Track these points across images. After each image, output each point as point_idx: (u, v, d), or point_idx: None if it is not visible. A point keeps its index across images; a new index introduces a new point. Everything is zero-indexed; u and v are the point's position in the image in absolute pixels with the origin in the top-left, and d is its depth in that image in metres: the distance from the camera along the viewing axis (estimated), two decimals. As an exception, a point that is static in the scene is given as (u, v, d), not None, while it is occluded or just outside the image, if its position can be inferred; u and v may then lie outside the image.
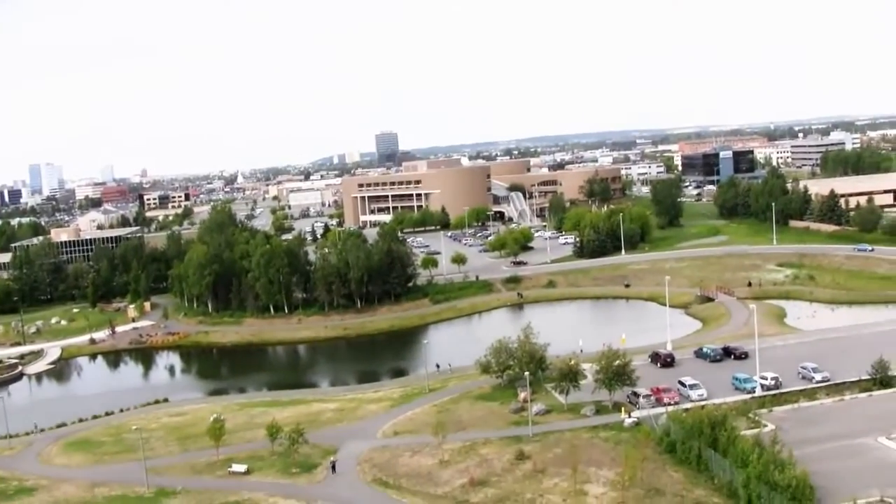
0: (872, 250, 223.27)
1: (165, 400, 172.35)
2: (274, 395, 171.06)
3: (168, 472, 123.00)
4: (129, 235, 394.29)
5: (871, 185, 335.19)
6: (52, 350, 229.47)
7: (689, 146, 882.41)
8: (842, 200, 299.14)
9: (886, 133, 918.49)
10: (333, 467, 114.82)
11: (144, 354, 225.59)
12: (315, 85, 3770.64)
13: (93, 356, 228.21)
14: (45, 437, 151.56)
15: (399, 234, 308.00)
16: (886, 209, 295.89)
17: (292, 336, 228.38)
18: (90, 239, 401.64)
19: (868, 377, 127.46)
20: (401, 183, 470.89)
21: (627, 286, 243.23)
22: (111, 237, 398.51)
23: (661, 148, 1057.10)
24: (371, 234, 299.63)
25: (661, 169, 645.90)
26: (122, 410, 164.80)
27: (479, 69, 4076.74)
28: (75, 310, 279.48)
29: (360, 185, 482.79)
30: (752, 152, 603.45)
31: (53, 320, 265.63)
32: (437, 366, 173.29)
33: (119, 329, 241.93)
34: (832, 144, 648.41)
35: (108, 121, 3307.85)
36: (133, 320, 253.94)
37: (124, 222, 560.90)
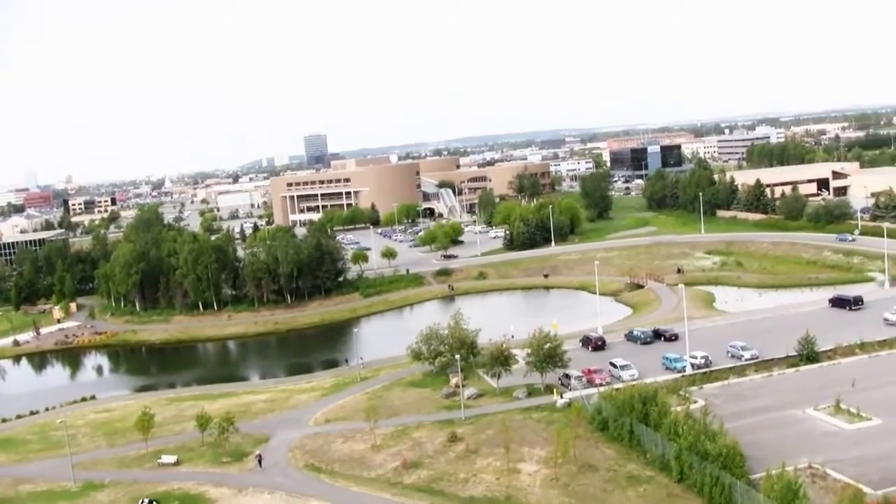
0: (854, 240, 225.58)
1: (93, 397, 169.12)
2: (204, 389, 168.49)
3: (95, 467, 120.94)
4: (53, 238, 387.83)
5: (796, 175, 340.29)
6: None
7: (617, 143, 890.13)
8: (767, 190, 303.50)
9: (809, 128, 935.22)
10: (260, 461, 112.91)
11: (71, 355, 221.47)
12: (242, 89, 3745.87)
13: (16, 358, 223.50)
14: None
15: (329, 231, 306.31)
16: (811, 198, 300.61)
17: (222, 332, 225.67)
18: (12, 242, 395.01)
19: (795, 353, 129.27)
20: (330, 181, 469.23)
21: (546, 276, 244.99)
22: (34, 240, 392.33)
23: (589, 145, 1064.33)
24: (301, 233, 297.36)
25: (590, 165, 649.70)
26: (47, 409, 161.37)
27: (406, 71, 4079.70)
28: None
29: (289, 185, 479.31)
30: (679, 147, 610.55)
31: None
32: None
33: (44, 330, 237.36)
34: (757, 138, 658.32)
35: (30, 127, 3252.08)
36: (58, 321, 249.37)
37: (48, 227, 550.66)
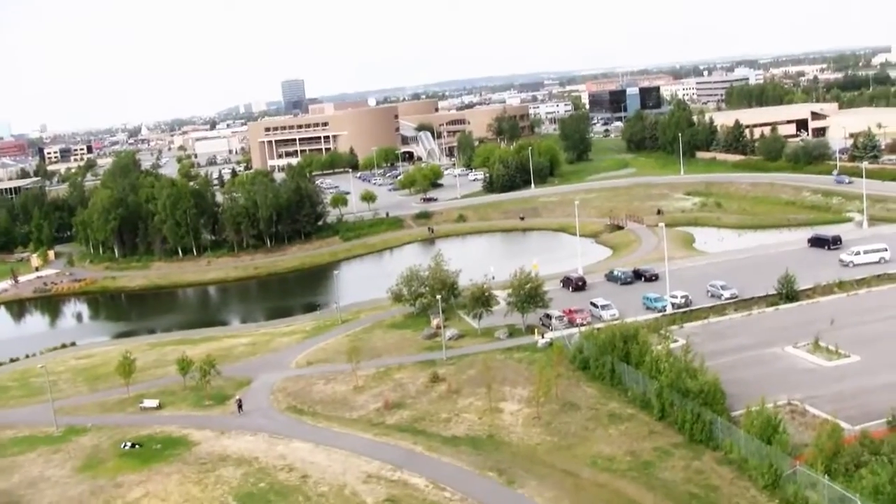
0: (851, 182, 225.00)
1: (73, 344, 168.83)
2: (184, 334, 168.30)
3: (77, 412, 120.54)
4: (29, 186, 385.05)
5: (775, 117, 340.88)
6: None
7: (595, 85, 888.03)
8: (746, 131, 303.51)
9: (788, 70, 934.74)
10: (240, 405, 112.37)
11: (50, 302, 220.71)
12: (217, 34, 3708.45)
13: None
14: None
15: (308, 175, 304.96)
16: (790, 139, 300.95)
17: (201, 278, 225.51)
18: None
19: (774, 292, 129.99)
20: (308, 126, 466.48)
21: (522, 219, 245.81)
22: (10, 188, 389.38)
23: (568, 88, 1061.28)
24: (280, 178, 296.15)
25: (569, 107, 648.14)
26: (27, 356, 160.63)
27: (384, 15, 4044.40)
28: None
29: (267, 130, 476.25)
30: (658, 89, 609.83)
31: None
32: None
33: (22, 278, 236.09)
34: (736, 80, 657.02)
35: (2, 76, 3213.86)
36: (37, 269, 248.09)
37: (24, 175, 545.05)
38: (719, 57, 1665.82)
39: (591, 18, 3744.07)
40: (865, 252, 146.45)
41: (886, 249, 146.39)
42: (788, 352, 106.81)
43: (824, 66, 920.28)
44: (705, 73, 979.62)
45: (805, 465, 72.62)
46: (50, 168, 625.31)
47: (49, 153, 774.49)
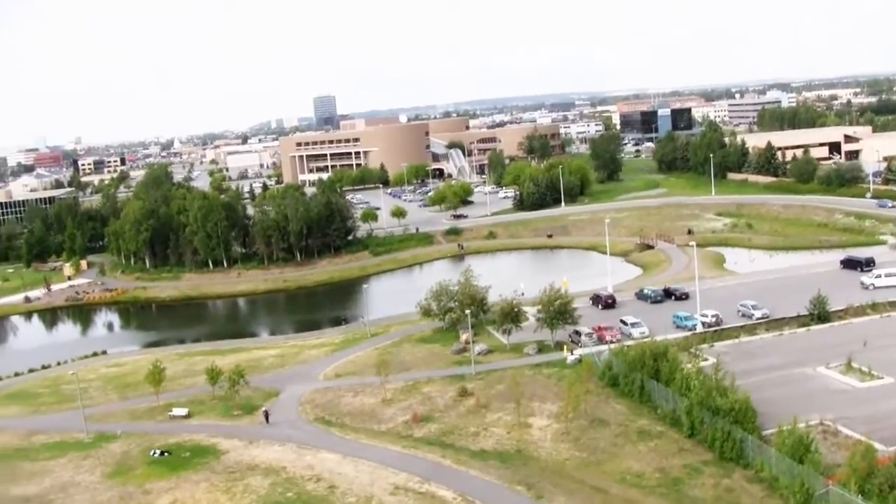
0: (894, 206, 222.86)
1: (104, 352, 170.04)
2: (214, 344, 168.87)
3: (107, 419, 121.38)
4: (63, 196, 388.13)
5: (807, 139, 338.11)
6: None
7: (626, 106, 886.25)
8: (779, 153, 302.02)
9: (821, 93, 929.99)
10: (266, 417, 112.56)
11: (81, 311, 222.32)
12: (251, 49, 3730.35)
13: (28, 314, 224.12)
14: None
15: (339, 190, 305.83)
16: (822, 161, 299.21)
17: (231, 290, 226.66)
18: (22, 200, 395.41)
19: (806, 313, 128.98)
20: (339, 141, 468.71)
21: (550, 237, 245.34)
22: (45, 198, 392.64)
23: (599, 109, 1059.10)
24: (311, 192, 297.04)
25: (600, 127, 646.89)
26: (59, 363, 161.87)
27: (416, 33, 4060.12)
28: (9, 270, 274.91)
29: (299, 144, 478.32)
30: (689, 110, 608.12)
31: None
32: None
33: (55, 287, 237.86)
34: (768, 103, 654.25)
35: (39, 88, 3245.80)
36: (69, 278, 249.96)
37: (58, 186, 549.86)
38: (751, 80, 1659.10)
39: (622, 40, 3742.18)
40: (887, 275, 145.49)
41: None
42: (820, 372, 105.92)
43: (857, 90, 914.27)
44: (737, 95, 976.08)
45: (838, 485, 71.86)
46: (84, 179, 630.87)
47: (83, 165, 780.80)
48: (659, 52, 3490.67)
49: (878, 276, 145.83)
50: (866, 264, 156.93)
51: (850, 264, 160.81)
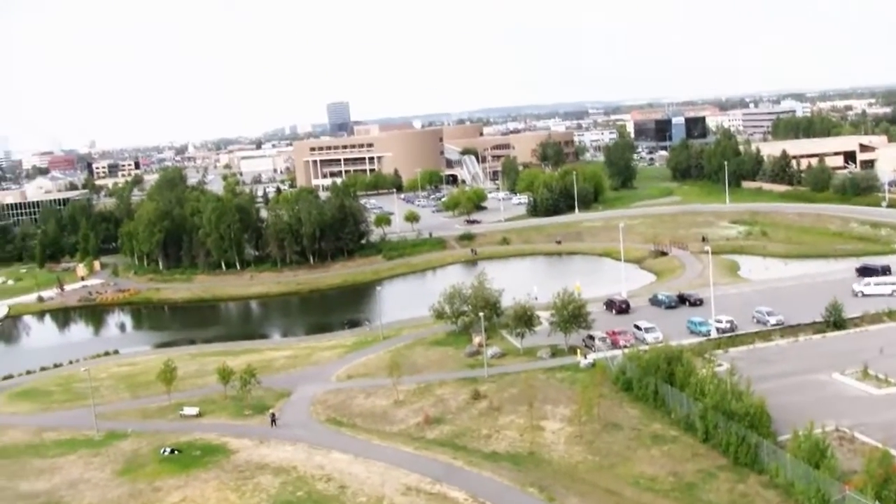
0: None
1: (116, 352, 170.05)
2: (226, 346, 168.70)
3: (118, 417, 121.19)
4: (77, 198, 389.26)
5: (822, 148, 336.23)
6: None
7: (640, 114, 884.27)
8: (793, 162, 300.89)
9: (836, 104, 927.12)
10: (273, 420, 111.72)
11: (94, 311, 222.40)
12: (265, 55, 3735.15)
13: (41, 314, 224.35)
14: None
15: (352, 194, 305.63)
16: (837, 170, 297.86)
17: (244, 292, 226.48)
18: (36, 201, 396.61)
19: (822, 320, 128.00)
20: (353, 146, 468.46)
21: (559, 242, 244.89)
22: (59, 199, 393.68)
23: (613, 117, 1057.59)
24: (324, 197, 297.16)
25: (614, 135, 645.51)
26: (70, 362, 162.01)
27: (431, 39, 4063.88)
28: (23, 270, 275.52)
29: (312, 149, 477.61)
30: (703, 119, 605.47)
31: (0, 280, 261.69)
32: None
33: (68, 287, 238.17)
34: (783, 112, 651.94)
35: (55, 92, 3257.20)
36: (82, 279, 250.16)
37: (73, 188, 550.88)
38: (765, 90, 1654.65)
39: (636, 50, 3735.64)
40: (877, 284, 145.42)
41: None
42: (836, 379, 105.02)
43: (872, 100, 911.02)
44: (751, 105, 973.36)
45: (855, 491, 70.97)
46: (98, 182, 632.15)
47: (97, 168, 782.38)
48: (673, 64, 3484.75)
49: (868, 284, 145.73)
50: (882, 272, 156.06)
51: (865, 272, 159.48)
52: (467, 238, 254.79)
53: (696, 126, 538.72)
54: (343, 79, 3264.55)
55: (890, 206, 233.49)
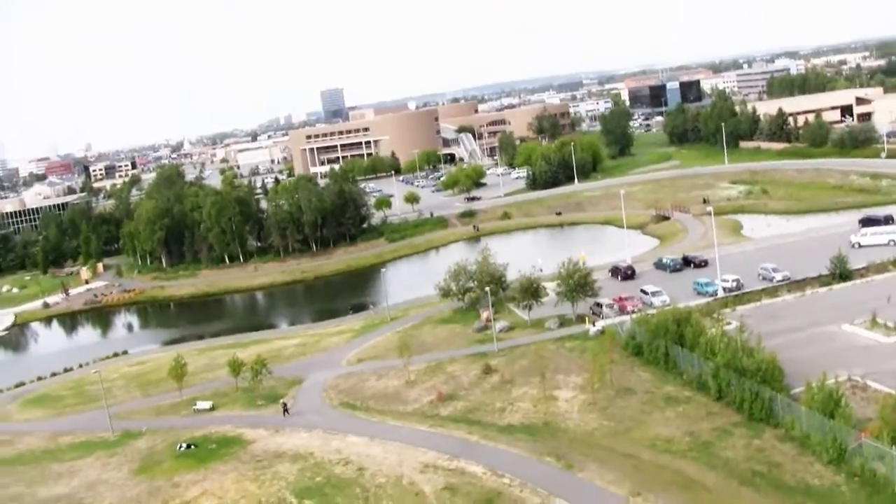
0: None
1: (125, 352, 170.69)
2: (234, 338, 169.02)
3: (132, 417, 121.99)
4: (76, 202, 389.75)
5: (818, 103, 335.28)
6: (5, 317, 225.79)
7: (634, 82, 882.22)
8: (790, 119, 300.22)
9: (830, 59, 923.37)
10: (285, 409, 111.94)
11: (101, 314, 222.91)
12: (256, 46, 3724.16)
13: (47, 320, 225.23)
14: (3, 396, 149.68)
15: (351, 179, 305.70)
16: (834, 125, 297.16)
17: (249, 283, 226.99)
18: (36, 208, 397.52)
19: (827, 273, 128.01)
20: (349, 132, 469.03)
21: (559, 214, 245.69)
22: (58, 204, 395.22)
23: (607, 87, 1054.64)
24: (323, 184, 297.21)
25: (609, 104, 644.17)
26: (80, 366, 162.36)
27: (421, 19, 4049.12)
28: (27, 277, 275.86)
29: (309, 137, 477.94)
30: (698, 82, 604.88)
31: (4, 289, 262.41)
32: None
33: (73, 291, 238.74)
34: (777, 71, 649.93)
35: (47, 97, 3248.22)
36: (86, 282, 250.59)
37: (70, 192, 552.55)
38: (759, 50, 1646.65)
39: (627, 17, 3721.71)
40: (873, 234, 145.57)
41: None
42: (845, 330, 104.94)
43: (866, 53, 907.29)
44: (745, 66, 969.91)
45: (871, 437, 71.14)
46: (96, 185, 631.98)
47: (94, 171, 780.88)
48: (664, 29, 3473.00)
49: (864, 235, 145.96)
50: (885, 222, 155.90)
51: (868, 223, 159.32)
52: (468, 215, 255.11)
53: (690, 90, 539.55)
54: (336, 65, 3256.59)
55: (889, 156, 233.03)
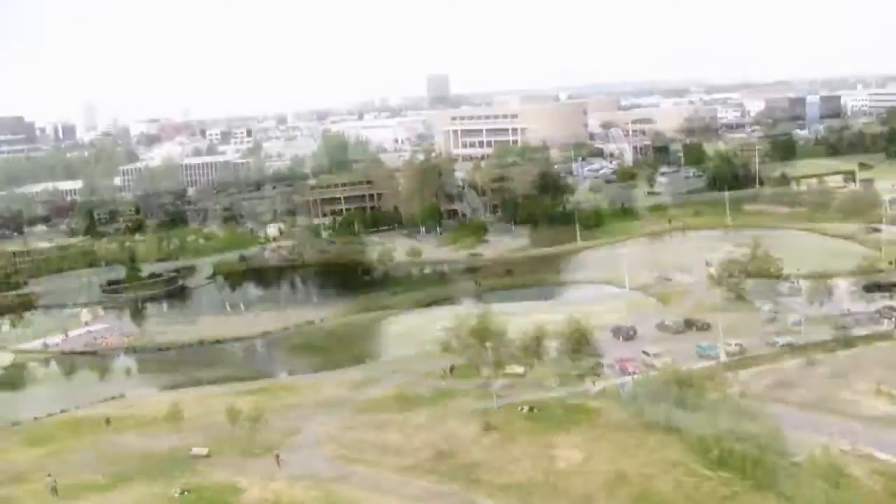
0: None
1: (121, 396, 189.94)
2: (233, 386, 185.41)
3: (125, 461, 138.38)
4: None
5: None
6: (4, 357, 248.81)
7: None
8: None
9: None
10: (278, 460, 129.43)
11: (99, 356, 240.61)
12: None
13: (45, 360, 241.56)
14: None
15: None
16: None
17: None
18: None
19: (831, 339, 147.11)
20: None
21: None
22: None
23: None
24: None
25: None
26: (77, 407, 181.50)
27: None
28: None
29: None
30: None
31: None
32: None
33: (72, 333, 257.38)
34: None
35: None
36: (86, 324, 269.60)
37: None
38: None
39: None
40: None
41: None
42: (849, 397, 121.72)
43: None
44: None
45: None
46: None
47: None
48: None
49: None
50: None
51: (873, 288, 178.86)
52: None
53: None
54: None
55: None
